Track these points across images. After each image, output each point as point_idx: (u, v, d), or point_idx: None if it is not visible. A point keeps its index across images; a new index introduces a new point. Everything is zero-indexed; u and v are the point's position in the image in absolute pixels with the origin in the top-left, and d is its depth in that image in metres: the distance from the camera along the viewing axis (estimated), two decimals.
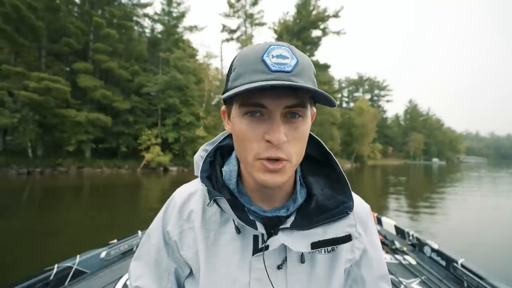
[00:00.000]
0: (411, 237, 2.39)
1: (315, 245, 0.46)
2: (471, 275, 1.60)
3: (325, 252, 0.51)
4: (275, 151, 0.41)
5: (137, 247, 2.14)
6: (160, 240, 0.57)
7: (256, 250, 0.49)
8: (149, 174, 18.65)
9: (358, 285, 0.56)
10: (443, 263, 1.90)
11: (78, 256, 1.64)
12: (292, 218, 0.50)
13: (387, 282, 0.58)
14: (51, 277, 1.43)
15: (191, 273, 0.57)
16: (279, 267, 0.49)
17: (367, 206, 0.59)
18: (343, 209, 0.48)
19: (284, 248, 0.49)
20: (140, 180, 15.38)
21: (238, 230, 0.50)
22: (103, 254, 1.77)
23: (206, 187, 0.48)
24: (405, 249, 2.20)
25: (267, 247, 0.47)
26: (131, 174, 18.21)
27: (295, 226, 0.48)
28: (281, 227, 0.48)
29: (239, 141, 0.45)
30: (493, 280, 1.48)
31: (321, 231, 0.47)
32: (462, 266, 1.71)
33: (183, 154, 22.18)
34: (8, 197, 8.77)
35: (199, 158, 0.56)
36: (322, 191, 0.52)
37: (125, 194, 10.74)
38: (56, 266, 1.50)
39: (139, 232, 2.18)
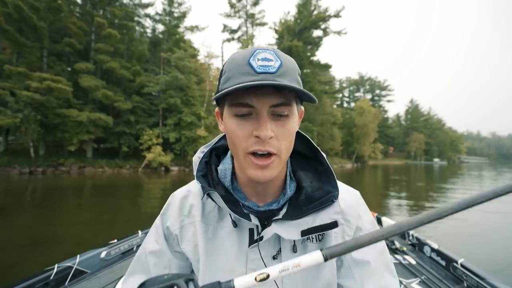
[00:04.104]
0: (411, 237, 2.38)
1: (305, 233, 0.49)
2: (471, 275, 1.60)
3: (316, 241, 0.53)
4: (264, 144, 0.45)
5: (137, 247, 2.14)
6: (161, 237, 0.59)
7: (252, 242, 0.52)
8: (150, 174, 18.66)
9: (358, 265, 0.53)
10: (443, 263, 1.90)
11: (78, 256, 1.64)
12: (284, 210, 0.53)
13: (386, 265, 0.54)
14: (51, 277, 1.43)
15: (192, 271, 0.59)
16: (274, 258, 0.52)
17: (356, 193, 0.60)
18: (329, 198, 0.51)
19: (279, 239, 0.52)
20: (141, 180, 15.39)
21: (234, 224, 0.53)
22: (103, 254, 1.77)
23: (200, 184, 0.52)
24: (405, 249, 2.20)
25: (261, 238, 0.50)
26: (132, 174, 18.23)
27: (286, 217, 0.51)
28: (273, 218, 0.51)
29: (231, 139, 0.49)
30: (493, 280, 1.47)
31: (310, 219, 0.50)
32: (462, 266, 1.70)
33: (184, 154, 22.21)
34: (10, 196, 8.81)
35: (196, 159, 0.59)
36: (311, 183, 0.55)
37: (126, 194, 10.75)
38: (56, 266, 1.50)
39: (139, 232, 2.17)
